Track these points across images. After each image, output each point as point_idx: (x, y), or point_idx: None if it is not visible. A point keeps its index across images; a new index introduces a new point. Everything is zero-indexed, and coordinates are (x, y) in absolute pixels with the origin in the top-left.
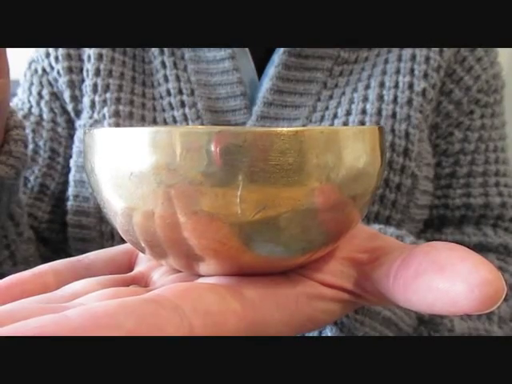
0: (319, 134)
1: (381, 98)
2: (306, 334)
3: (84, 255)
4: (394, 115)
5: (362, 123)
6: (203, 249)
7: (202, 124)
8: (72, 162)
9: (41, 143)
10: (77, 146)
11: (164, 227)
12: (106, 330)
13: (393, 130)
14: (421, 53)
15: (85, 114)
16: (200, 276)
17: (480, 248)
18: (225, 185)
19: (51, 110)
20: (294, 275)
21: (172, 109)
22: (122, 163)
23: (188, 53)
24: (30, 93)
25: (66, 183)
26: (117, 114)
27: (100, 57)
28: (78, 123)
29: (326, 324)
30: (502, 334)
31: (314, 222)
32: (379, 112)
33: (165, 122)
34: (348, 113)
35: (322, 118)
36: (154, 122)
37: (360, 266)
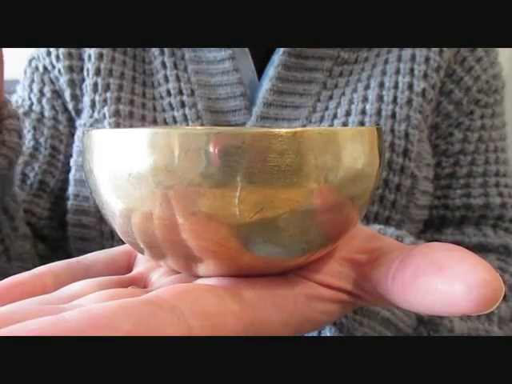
0: (317, 134)
1: (380, 98)
2: (305, 335)
3: (83, 256)
4: (393, 115)
5: (362, 124)
6: (202, 250)
7: (202, 124)
8: (72, 161)
9: (41, 140)
10: (77, 145)
11: (162, 228)
12: (104, 332)
13: (392, 131)
14: (420, 53)
15: (85, 114)
16: (199, 277)
17: (480, 248)
18: (223, 186)
19: (53, 107)
20: (293, 276)
21: (172, 109)
22: (121, 164)
23: (188, 53)
24: (31, 90)
25: (66, 181)
26: (117, 113)
27: (100, 56)
28: (79, 122)
29: (324, 324)
30: (502, 335)
31: (312, 222)
32: (379, 112)
33: (165, 122)
34: (348, 113)
35: (322, 119)
36: (154, 122)
37: (359, 266)
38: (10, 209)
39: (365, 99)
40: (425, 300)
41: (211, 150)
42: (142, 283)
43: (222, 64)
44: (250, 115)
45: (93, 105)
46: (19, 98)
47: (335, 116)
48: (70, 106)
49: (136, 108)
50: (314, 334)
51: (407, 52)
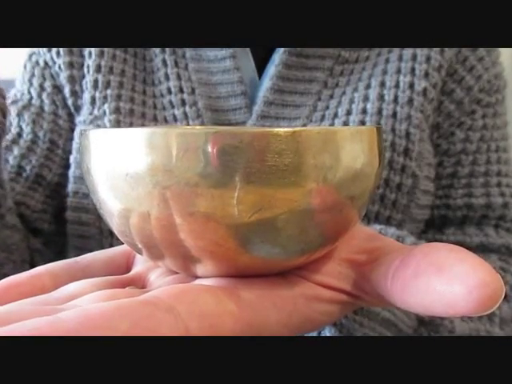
0: (316, 134)
1: (381, 97)
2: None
3: (81, 257)
4: (394, 115)
5: (363, 123)
6: (200, 250)
7: (203, 123)
8: (72, 159)
9: (40, 134)
10: (76, 142)
11: (160, 229)
12: (100, 332)
13: (393, 130)
14: (422, 52)
15: (85, 110)
16: (197, 277)
17: (482, 249)
18: (221, 186)
19: (53, 102)
20: (292, 276)
21: (172, 107)
22: (118, 164)
23: (189, 51)
24: (31, 84)
25: (63, 176)
26: (117, 110)
27: (101, 53)
28: (78, 119)
29: (324, 325)
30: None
31: (311, 223)
32: (380, 112)
33: (165, 121)
34: (348, 112)
35: (323, 118)
36: (155, 120)
37: (358, 267)
38: None
39: (366, 98)
40: (424, 301)
41: (209, 149)
42: (140, 283)
43: (222, 62)
44: (250, 114)
45: (93, 102)
46: (18, 91)
47: (336, 115)
48: (70, 101)
49: (136, 105)
50: (314, 334)
51: (408, 51)
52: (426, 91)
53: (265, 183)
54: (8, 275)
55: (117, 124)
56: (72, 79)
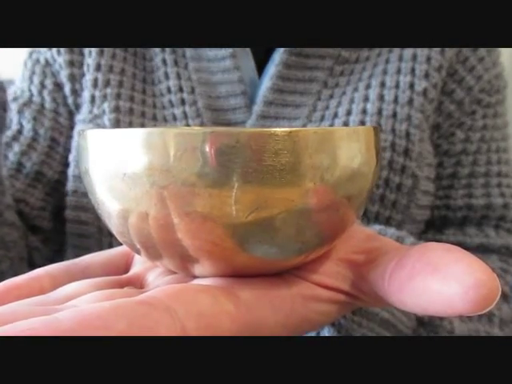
0: (313, 134)
1: (381, 97)
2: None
3: (80, 258)
4: (394, 115)
5: (363, 123)
6: (197, 250)
7: (202, 122)
8: (71, 157)
9: (41, 131)
10: (76, 140)
11: (158, 228)
12: (97, 332)
13: (393, 130)
14: (422, 52)
15: (84, 109)
16: (195, 277)
17: (482, 249)
18: (218, 186)
19: (54, 99)
20: (290, 276)
21: (172, 106)
22: (116, 164)
23: (189, 51)
24: (32, 82)
25: (63, 174)
26: (117, 109)
27: (101, 52)
28: (78, 118)
29: (322, 325)
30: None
31: (308, 222)
32: (380, 112)
33: (165, 120)
34: (348, 112)
35: (323, 118)
36: (154, 119)
37: (356, 267)
38: None
39: (366, 98)
40: (421, 300)
41: (206, 149)
42: (138, 284)
43: (222, 62)
44: (250, 113)
45: (92, 100)
46: (18, 89)
47: (336, 115)
48: (70, 100)
49: (136, 104)
50: (313, 334)
51: (408, 51)
52: (426, 91)
53: (262, 183)
54: (5, 272)
55: (116, 123)
56: (72, 77)
